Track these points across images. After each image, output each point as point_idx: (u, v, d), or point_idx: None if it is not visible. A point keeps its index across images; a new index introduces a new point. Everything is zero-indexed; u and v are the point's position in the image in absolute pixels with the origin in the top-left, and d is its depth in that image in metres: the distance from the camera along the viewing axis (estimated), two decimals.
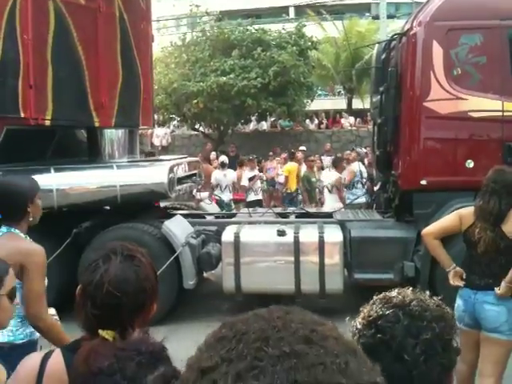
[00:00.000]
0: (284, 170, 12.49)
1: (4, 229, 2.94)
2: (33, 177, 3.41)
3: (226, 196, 10.78)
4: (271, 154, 14.87)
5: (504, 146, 5.77)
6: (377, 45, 7.48)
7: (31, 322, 2.83)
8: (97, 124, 6.40)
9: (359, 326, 1.35)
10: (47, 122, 5.89)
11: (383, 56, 6.60)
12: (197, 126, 20.31)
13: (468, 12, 5.84)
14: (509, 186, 3.69)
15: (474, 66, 5.78)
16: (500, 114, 5.74)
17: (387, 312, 1.34)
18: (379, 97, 6.57)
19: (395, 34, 6.50)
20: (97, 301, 1.64)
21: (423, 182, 5.91)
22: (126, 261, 1.70)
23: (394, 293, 1.42)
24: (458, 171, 5.88)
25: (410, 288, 1.43)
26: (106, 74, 6.32)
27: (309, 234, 6.27)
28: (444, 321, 1.34)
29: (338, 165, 9.57)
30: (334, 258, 6.15)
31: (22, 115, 5.64)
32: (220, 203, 10.08)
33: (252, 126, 21.27)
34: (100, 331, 1.62)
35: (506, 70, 5.72)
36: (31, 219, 3.01)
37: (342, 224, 6.48)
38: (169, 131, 20.50)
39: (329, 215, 7.21)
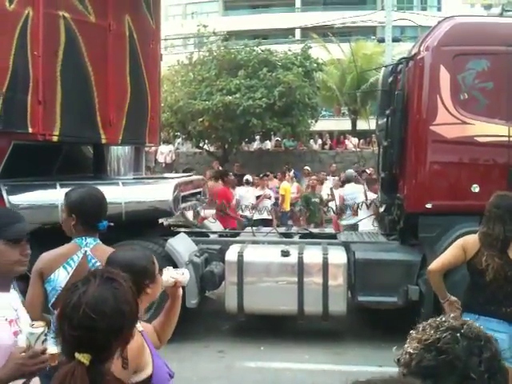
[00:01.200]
0: (280, 189, 12.57)
1: (91, 240, 3.00)
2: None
3: (247, 213, 10.85)
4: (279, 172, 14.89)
5: (510, 171, 5.79)
6: (383, 68, 7.53)
7: None
8: (104, 141, 6.42)
9: (415, 351, 1.34)
10: (55, 138, 5.91)
11: (390, 79, 6.64)
12: (201, 144, 20.40)
13: (475, 38, 5.88)
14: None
15: (481, 91, 5.81)
16: (506, 139, 5.76)
17: (444, 335, 1.34)
18: (385, 119, 6.60)
19: (402, 58, 6.55)
20: (73, 322, 1.62)
21: (429, 206, 5.90)
22: (105, 283, 1.69)
23: (440, 319, 1.42)
24: (463, 195, 5.88)
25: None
26: (114, 91, 6.36)
27: (313, 255, 6.25)
28: (495, 342, 1.37)
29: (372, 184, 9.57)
30: (337, 280, 6.13)
31: (31, 131, 5.67)
32: (247, 220, 10.08)
33: (256, 144, 21.34)
34: (76, 354, 1.58)
35: None
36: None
37: (347, 246, 6.47)
38: (173, 148, 20.56)
39: (333, 236, 7.20)
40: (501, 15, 7.07)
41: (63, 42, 5.87)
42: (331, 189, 11.94)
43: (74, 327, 1.61)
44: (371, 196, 8.49)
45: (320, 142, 22.11)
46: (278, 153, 20.54)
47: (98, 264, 2.87)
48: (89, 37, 6.08)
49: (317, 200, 11.44)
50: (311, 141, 21.85)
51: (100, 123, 6.26)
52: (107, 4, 6.29)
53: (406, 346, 1.37)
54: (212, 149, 20.74)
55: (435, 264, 3.99)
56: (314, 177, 12.91)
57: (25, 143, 5.92)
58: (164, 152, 19.59)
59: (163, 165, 19.32)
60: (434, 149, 5.98)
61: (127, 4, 6.62)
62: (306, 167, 15.55)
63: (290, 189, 12.76)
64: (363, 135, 22.86)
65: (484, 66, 5.79)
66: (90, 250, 2.95)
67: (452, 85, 5.82)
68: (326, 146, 21.94)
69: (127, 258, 2.40)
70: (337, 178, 13.76)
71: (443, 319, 1.41)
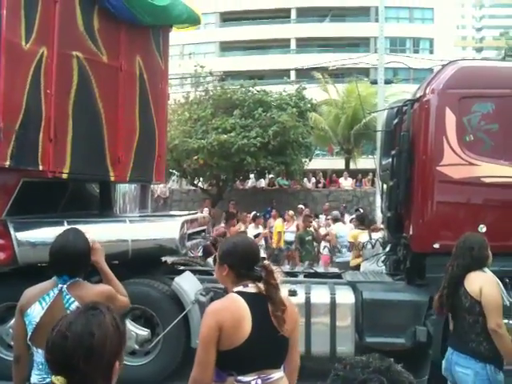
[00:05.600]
0: (274, 228, 12.62)
1: (67, 277, 3.01)
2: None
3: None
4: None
5: None
6: (386, 110, 7.67)
7: None
8: (112, 178, 6.44)
9: None
10: (64, 176, 5.92)
11: (395, 120, 6.76)
12: (196, 182, 20.45)
13: (480, 81, 6.02)
14: (466, 249, 3.93)
15: (486, 132, 5.91)
16: (511, 179, 5.84)
17: (371, 376, 1.34)
18: (390, 159, 6.67)
19: (408, 100, 6.67)
20: (48, 344, 1.67)
21: (436, 246, 5.92)
22: (86, 310, 1.74)
23: (367, 358, 1.42)
24: None
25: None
26: (124, 130, 6.42)
27: (320, 295, 6.21)
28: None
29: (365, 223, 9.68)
30: (345, 320, 6.08)
31: (41, 168, 5.68)
32: None
33: (250, 182, 21.45)
34: (52, 377, 1.62)
35: None
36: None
37: (353, 285, 6.45)
38: (168, 185, 20.62)
39: (338, 276, 7.17)
40: (503, 59, 7.26)
41: (76, 81, 5.95)
42: (317, 229, 12.08)
43: (48, 349, 1.67)
44: (375, 236, 8.54)
45: (314, 180, 22.29)
46: (272, 191, 20.65)
47: (73, 300, 2.92)
48: (101, 76, 6.18)
49: (310, 238, 11.49)
50: (305, 179, 22.02)
51: (109, 161, 6.30)
52: (119, 45, 6.41)
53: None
54: (206, 186, 20.81)
55: (497, 319, 3.69)
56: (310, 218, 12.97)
57: (33, 180, 5.92)
58: (158, 189, 19.63)
59: (161, 200, 19.36)
60: (441, 189, 6.04)
61: (138, 45, 6.76)
62: (300, 205, 15.63)
63: (283, 227, 12.80)
64: (356, 174, 23.11)
65: (489, 109, 5.92)
66: (67, 287, 2.98)
67: (458, 126, 5.93)
68: (320, 185, 22.11)
69: None
70: (330, 217, 13.88)
71: (370, 359, 1.40)
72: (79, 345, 1.63)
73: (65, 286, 3.00)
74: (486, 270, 3.91)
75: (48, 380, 2.85)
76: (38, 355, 2.94)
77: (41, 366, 2.93)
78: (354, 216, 11.98)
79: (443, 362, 3.99)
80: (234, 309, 2.66)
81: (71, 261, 3.06)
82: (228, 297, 2.77)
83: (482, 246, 3.94)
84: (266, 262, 2.76)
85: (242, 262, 2.79)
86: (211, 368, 2.61)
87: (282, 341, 2.69)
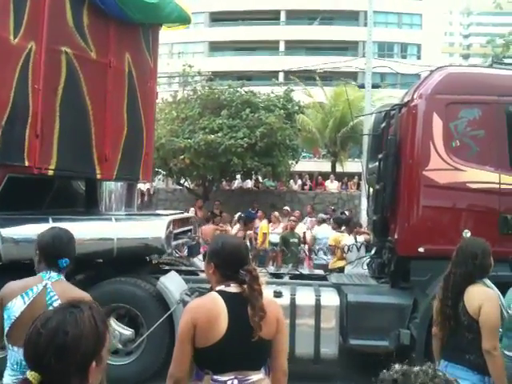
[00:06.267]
0: (260, 229, 12.63)
1: (55, 275, 3.02)
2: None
3: None
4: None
5: (500, 218, 5.90)
6: (374, 114, 7.72)
7: None
8: (99, 176, 6.39)
9: None
10: (51, 172, 5.87)
11: (383, 124, 6.79)
12: (182, 181, 20.39)
13: (467, 87, 6.08)
14: (469, 257, 3.72)
15: (473, 138, 5.96)
16: (497, 186, 5.89)
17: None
18: (377, 163, 6.71)
19: (395, 105, 6.72)
20: (26, 338, 1.66)
21: (421, 250, 5.95)
22: (66, 307, 1.72)
23: (432, 368, 1.44)
24: (455, 240, 5.91)
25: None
26: (111, 127, 6.38)
27: (305, 297, 6.21)
28: None
29: (350, 226, 9.71)
30: (330, 322, 6.09)
31: (27, 164, 5.62)
32: None
33: (236, 183, 21.44)
34: (28, 372, 1.61)
35: (502, 144, 5.92)
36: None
37: (338, 288, 6.46)
38: (154, 184, 20.53)
39: (323, 277, 7.19)
40: (490, 66, 7.33)
41: (64, 77, 5.90)
42: (304, 232, 12.10)
43: (25, 344, 1.65)
44: (360, 238, 8.58)
45: (300, 182, 22.33)
46: (258, 192, 20.65)
47: (56, 298, 2.93)
48: (89, 73, 6.13)
49: (295, 240, 11.49)
50: (291, 181, 22.06)
51: (96, 158, 6.25)
52: (109, 42, 6.38)
53: None
54: (192, 186, 20.76)
55: (493, 342, 3.55)
56: (292, 217, 13.03)
57: (19, 176, 5.85)
58: (143, 188, 19.53)
59: (145, 198, 19.28)
60: (427, 193, 6.08)
61: (128, 42, 6.73)
62: (286, 207, 15.67)
63: (268, 228, 12.81)
64: (342, 177, 23.21)
65: (475, 115, 5.97)
66: (51, 284, 2.98)
67: (444, 132, 5.97)
68: (306, 187, 22.16)
69: None
70: (314, 219, 13.93)
71: (437, 371, 1.43)
72: (51, 342, 1.61)
73: (49, 282, 2.98)
74: (488, 281, 3.74)
75: None
76: (13, 354, 2.89)
77: (15, 366, 2.88)
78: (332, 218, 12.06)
79: None
80: (210, 306, 2.67)
81: (63, 250, 3.08)
82: (207, 295, 2.80)
83: (485, 254, 3.75)
84: (251, 266, 2.73)
85: (228, 264, 2.79)
86: (186, 364, 2.64)
87: (261, 343, 2.67)
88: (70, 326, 1.64)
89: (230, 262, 2.78)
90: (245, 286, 2.69)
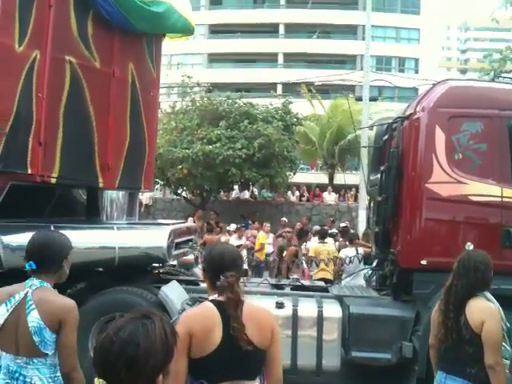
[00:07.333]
0: (257, 239, 12.66)
1: (37, 282, 2.95)
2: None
3: None
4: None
5: (502, 231, 5.90)
6: (375, 126, 7.74)
7: (68, 373, 2.88)
8: (101, 184, 6.39)
9: None
10: (53, 180, 5.85)
11: (385, 137, 6.81)
12: (179, 191, 20.38)
13: (470, 101, 6.11)
14: (471, 270, 3.72)
15: (475, 152, 5.98)
16: (499, 199, 5.90)
17: None
18: (379, 175, 6.72)
19: (398, 118, 6.73)
20: (97, 344, 1.66)
21: (423, 262, 5.94)
22: (138, 317, 1.70)
23: None
24: (457, 253, 5.91)
25: None
26: (114, 137, 6.38)
27: (307, 308, 6.19)
28: None
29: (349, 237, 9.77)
30: (332, 334, 6.06)
31: (30, 171, 5.61)
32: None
33: (234, 194, 21.45)
34: (95, 379, 1.63)
35: (504, 158, 5.93)
36: (63, 274, 3.07)
37: (340, 299, 6.44)
38: (151, 194, 20.51)
39: (324, 289, 7.17)
40: (492, 80, 7.38)
41: (67, 86, 5.91)
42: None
43: (96, 349, 1.66)
44: (362, 251, 8.58)
45: (297, 193, 22.36)
46: (255, 203, 20.67)
47: (33, 307, 2.89)
48: (93, 82, 6.14)
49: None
50: (289, 192, 22.09)
51: (98, 167, 6.24)
52: (112, 51, 6.40)
53: None
54: (190, 196, 20.76)
55: (496, 359, 3.54)
56: (287, 228, 13.08)
57: (21, 184, 5.84)
58: (141, 198, 19.51)
59: (143, 208, 19.28)
60: (429, 206, 6.07)
61: (131, 52, 6.75)
62: (283, 218, 15.68)
63: (265, 238, 12.85)
64: (339, 189, 23.24)
65: (478, 128, 5.99)
66: (32, 292, 2.94)
67: (447, 145, 5.99)
68: (304, 198, 22.19)
69: None
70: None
71: None
72: (123, 353, 1.61)
73: (30, 290, 2.94)
74: (488, 294, 3.74)
75: None
76: (1, 359, 2.88)
77: (5, 371, 2.86)
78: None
79: None
80: (204, 316, 2.65)
81: (30, 252, 3.02)
82: (202, 305, 2.77)
83: (487, 267, 3.75)
84: (229, 273, 2.66)
85: (210, 269, 2.80)
86: (182, 376, 2.59)
87: (255, 352, 2.64)
88: (142, 338, 1.63)
89: (212, 268, 2.78)
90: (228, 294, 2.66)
